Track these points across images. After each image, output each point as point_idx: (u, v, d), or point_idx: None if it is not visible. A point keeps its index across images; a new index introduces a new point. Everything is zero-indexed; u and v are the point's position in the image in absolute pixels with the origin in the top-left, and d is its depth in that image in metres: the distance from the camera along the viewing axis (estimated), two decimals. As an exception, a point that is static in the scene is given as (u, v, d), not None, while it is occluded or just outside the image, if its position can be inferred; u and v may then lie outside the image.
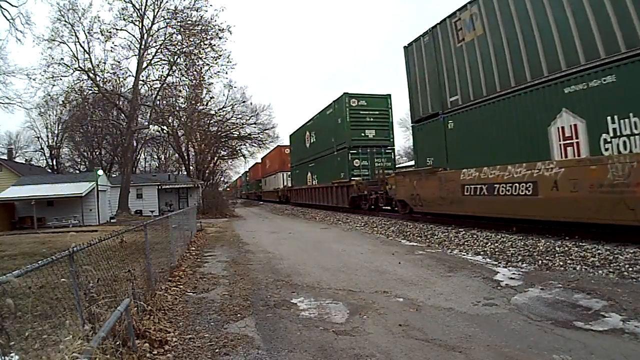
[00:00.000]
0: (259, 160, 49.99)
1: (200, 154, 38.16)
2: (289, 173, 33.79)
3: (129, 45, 29.02)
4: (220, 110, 38.20)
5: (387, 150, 19.28)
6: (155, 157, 55.41)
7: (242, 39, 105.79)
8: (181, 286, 6.54)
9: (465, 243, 9.27)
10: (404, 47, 13.62)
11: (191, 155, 39.91)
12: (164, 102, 29.90)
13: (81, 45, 27.83)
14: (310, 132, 25.48)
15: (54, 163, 45.34)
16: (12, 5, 24.74)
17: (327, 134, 21.57)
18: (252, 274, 7.36)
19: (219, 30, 28.36)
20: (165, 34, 28.64)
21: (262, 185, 47.68)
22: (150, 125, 33.41)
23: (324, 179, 22.51)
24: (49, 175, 33.68)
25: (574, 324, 4.10)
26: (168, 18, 28.42)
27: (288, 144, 34.51)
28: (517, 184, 8.78)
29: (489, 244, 8.75)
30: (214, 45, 28.65)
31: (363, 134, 18.83)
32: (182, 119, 31.02)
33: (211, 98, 33.53)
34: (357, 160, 18.69)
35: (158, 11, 28.30)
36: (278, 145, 38.23)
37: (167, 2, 28.34)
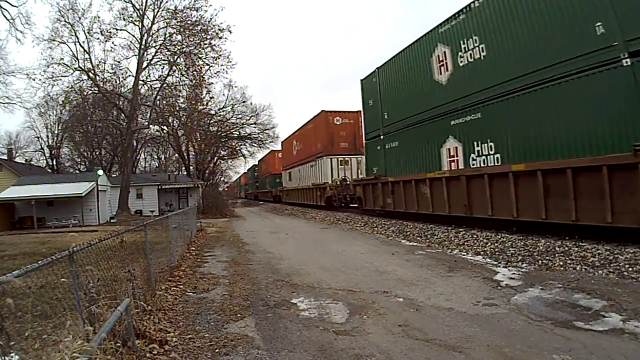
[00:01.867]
0: (277, 147, 39.10)
1: (200, 154, 38.20)
2: (345, 157, 21.94)
3: (129, 45, 29.07)
4: (220, 110, 38.29)
5: None
6: (155, 157, 55.41)
7: (242, 39, 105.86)
8: (181, 286, 6.53)
9: (465, 243, 9.26)
10: None
11: (191, 155, 39.95)
12: (164, 102, 29.91)
13: (81, 45, 27.87)
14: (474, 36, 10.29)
15: (54, 163, 45.32)
16: (12, 5, 24.79)
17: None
18: (252, 274, 7.36)
19: (219, 30, 28.39)
20: (165, 34, 28.68)
21: (284, 180, 34.64)
22: (150, 125, 33.42)
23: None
24: (49, 175, 33.65)
25: (574, 324, 4.10)
26: (168, 18, 28.46)
27: (331, 109, 22.67)
28: None
29: (489, 244, 8.75)
30: (214, 45, 28.69)
31: None
32: (182, 119, 31.03)
33: (211, 98, 33.57)
34: None
35: (158, 11, 28.35)
36: (322, 111, 23.01)
37: (167, 2, 28.41)
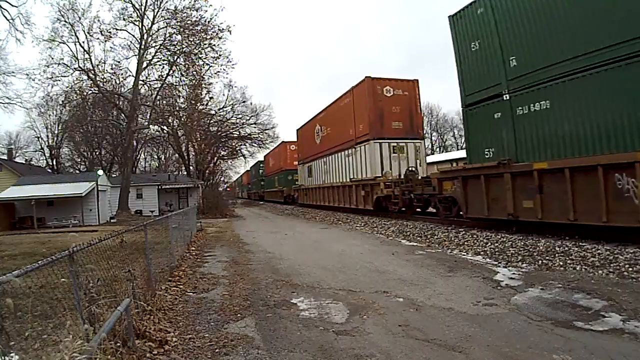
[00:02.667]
0: (291, 138, 33.41)
1: (200, 154, 38.18)
2: (400, 142, 16.25)
3: (128, 45, 29.14)
4: (220, 110, 38.32)
5: None
6: (155, 157, 55.51)
7: (242, 39, 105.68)
8: (181, 286, 6.54)
9: (465, 243, 9.26)
10: None
11: (191, 155, 39.98)
12: (164, 102, 29.94)
13: (81, 45, 27.90)
14: None
15: (54, 163, 45.35)
16: (12, 5, 24.84)
17: None
18: (252, 274, 7.36)
19: (219, 30, 28.43)
20: (165, 34, 28.71)
21: (301, 177, 28.08)
22: (150, 125, 33.43)
23: None
24: (49, 175, 33.67)
25: (574, 324, 4.10)
26: (168, 18, 28.49)
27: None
28: None
29: (489, 244, 8.75)
30: (214, 45, 28.72)
31: None
32: (182, 119, 31.04)
33: (211, 98, 33.59)
34: None
35: (158, 11, 28.38)
36: (367, 77, 16.28)
37: (167, 2, 28.43)
